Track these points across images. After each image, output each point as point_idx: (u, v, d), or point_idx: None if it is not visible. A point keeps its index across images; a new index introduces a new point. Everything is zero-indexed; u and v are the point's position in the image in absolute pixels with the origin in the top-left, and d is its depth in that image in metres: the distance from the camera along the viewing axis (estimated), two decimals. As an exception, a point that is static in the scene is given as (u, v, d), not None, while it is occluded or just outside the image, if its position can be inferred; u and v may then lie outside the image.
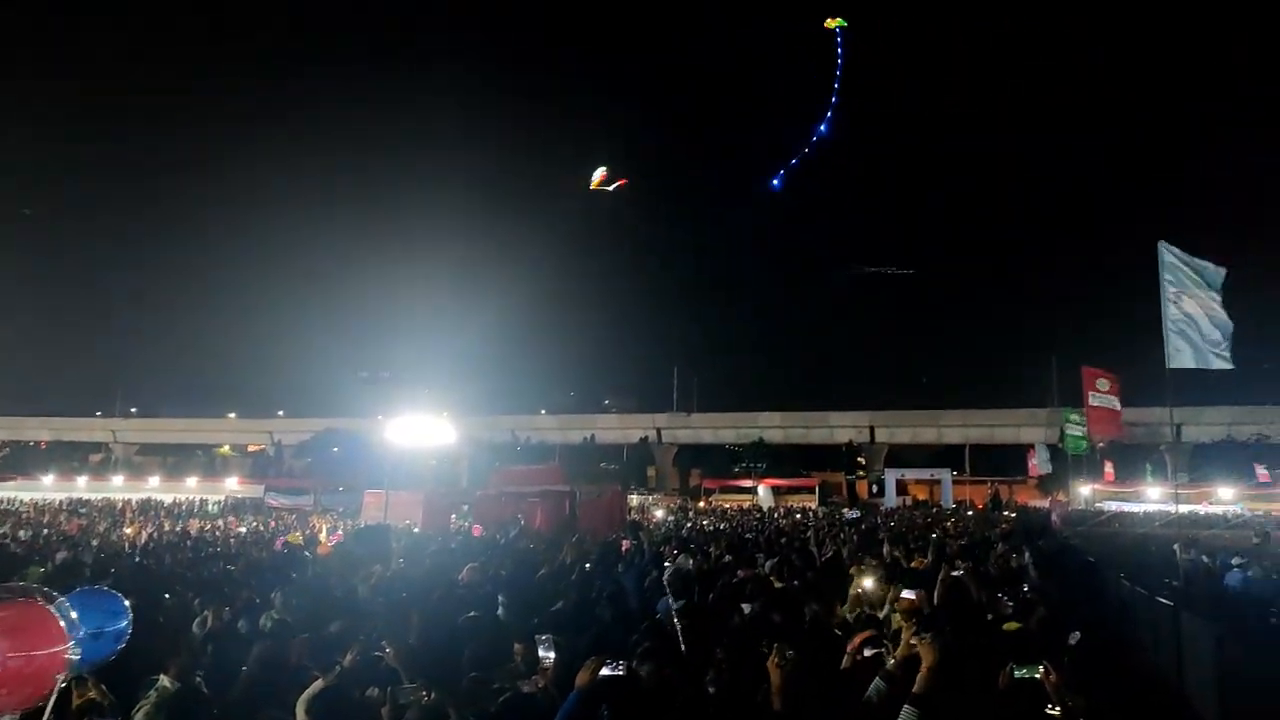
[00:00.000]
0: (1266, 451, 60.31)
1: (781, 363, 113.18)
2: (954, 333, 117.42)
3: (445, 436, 28.40)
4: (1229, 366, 13.37)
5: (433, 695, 4.77)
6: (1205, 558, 17.64)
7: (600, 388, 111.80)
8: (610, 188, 70.93)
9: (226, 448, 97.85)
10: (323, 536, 23.53)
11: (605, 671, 4.39)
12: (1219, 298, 13.48)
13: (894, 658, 4.61)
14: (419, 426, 25.27)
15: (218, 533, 28.23)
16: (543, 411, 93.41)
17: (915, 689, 4.21)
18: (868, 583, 7.72)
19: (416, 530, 22.72)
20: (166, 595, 10.64)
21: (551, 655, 5.17)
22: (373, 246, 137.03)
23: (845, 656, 4.96)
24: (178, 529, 30.12)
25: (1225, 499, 52.19)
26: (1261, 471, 53.34)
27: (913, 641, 4.51)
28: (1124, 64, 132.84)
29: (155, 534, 27.45)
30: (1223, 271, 13.58)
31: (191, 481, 68.05)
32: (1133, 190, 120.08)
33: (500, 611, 7.98)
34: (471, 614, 7.02)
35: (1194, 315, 13.45)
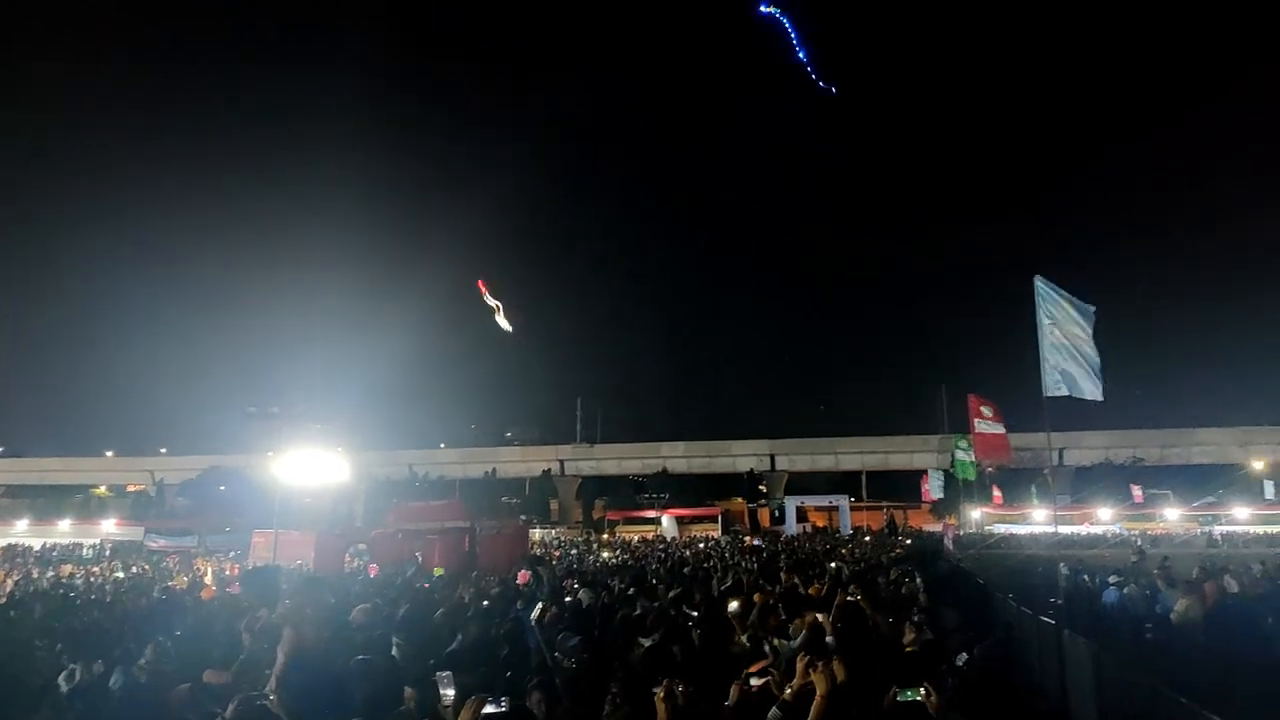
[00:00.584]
0: (1141, 473, 63.83)
1: (684, 393, 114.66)
2: (849, 361, 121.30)
3: (339, 473, 27.50)
4: (1099, 397, 14.10)
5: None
6: (1085, 577, 18.44)
7: (502, 420, 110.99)
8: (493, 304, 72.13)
9: (103, 488, 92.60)
10: (208, 579, 22.53)
11: (489, 709, 4.26)
12: (1090, 331, 14.23)
13: (790, 687, 4.63)
14: (311, 463, 24.46)
15: (94, 579, 26.72)
16: (443, 445, 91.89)
17: (810, 718, 4.25)
18: (733, 605, 8.02)
19: (310, 570, 21.96)
20: (38, 647, 10.08)
21: (451, 693, 5.04)
22: (261, 277, 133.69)
23: (733, 687, 4.92)
24: (49, 576, 28.38)
25: (1105, 519, 54.86)
26: (1137, 492, 56.31)
27: (808, 670, 4.55)
28: (1007, 100, 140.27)
29: (22, 582, 25.82)
30: (1091, 309, 14.38)
31: (64, 524, 64.31)
32: (1013, 225, 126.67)
33: (395, 652, 7.75)
34: (362, 657, 6.78)
35: (1068, 346, 14.15)
